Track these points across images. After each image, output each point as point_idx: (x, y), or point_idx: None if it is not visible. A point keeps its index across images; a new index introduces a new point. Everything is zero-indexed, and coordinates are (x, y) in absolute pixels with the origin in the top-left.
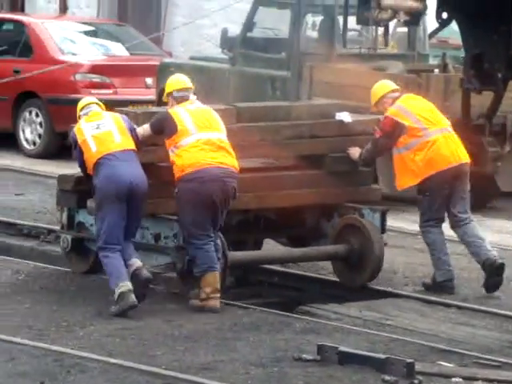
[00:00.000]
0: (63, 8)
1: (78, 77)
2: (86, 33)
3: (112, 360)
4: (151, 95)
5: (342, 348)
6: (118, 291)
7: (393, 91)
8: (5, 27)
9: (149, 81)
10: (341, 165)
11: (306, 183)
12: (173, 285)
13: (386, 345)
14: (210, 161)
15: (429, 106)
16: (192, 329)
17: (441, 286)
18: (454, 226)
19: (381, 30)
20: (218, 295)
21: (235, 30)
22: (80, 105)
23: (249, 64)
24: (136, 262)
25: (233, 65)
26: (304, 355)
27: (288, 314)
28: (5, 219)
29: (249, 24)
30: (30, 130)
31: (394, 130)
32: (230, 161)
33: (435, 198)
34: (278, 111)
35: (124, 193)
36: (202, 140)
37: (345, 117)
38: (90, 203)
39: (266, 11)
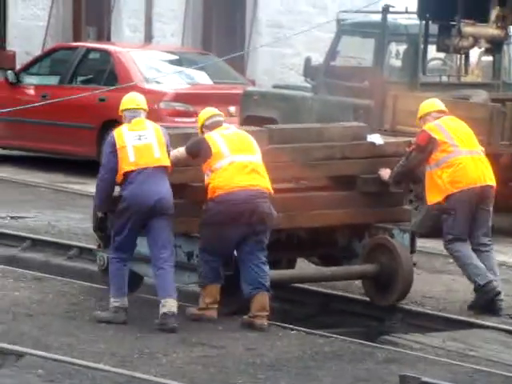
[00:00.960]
0: (148, 37)
1: (162, 105)
2: (171, 61)
3: None
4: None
5: (425, 379)
6: (114, 304)
7: (439, 111)
8: (91, 56)
9: (232, 109)
10: (372, 186)
11: (337, 203)
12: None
13: (470, 376)
14: (241, 184)
15: (466, 129)
16: (273, 357)
17: (486, 291)
18: (475, 249)
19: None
20: (216, 306)
21: (318, 58)
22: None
23: (332, 92)
24: (168, 304)
25: (316, 93)
26: None
27: (370, 343)
28: (87, 246)
29: (332, 53)
30: None
31: (427, 145)
32: (262, 182)
33: (459, 217)
34: (309, 133)
35: (147, 211)
36: (236, 163)
37: (376, 139)
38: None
39: (349, 40)
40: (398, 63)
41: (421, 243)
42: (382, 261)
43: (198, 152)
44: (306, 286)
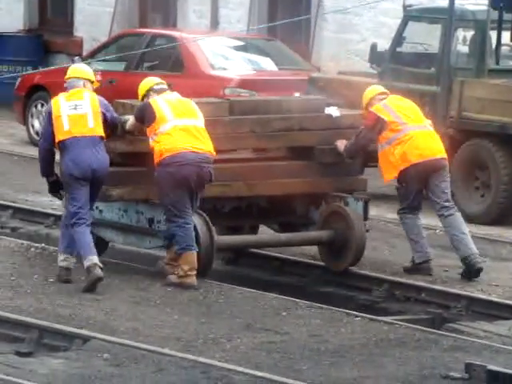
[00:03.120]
0: (214, 23)
1: (227, 91)
2: (236, 48)
3: (258, 373)
4: None
5: (491, 367)
6: (86, 264)
7: (380, 94)
8: (157, 42)
9: (297, 95)
10: (329, 156)
11: (295, 173)
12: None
13: None
14: (186, 146)
15: (412, 105)
16: (337, 344)
17: (418, 268)
18: (439, 214)
19: None
20: (195, 273)
21: (384, 45)
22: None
23: (398, 79)
24: (93, 259)
25: (381, 79)
26: (451, 373)
27: (435, 330)
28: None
29: (398, 39)
30: None
31: (375, 124)
32: (205, 146)
33: (410, 189)
34: (269, 104)
35: (87, 177)
36: (179, 126)
37: (333, 111)
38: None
39: (415, 26)
40: (464, 49)
41: (486, 231)
42: (337, 227)
43: (143, 117)
44: (372, 273)
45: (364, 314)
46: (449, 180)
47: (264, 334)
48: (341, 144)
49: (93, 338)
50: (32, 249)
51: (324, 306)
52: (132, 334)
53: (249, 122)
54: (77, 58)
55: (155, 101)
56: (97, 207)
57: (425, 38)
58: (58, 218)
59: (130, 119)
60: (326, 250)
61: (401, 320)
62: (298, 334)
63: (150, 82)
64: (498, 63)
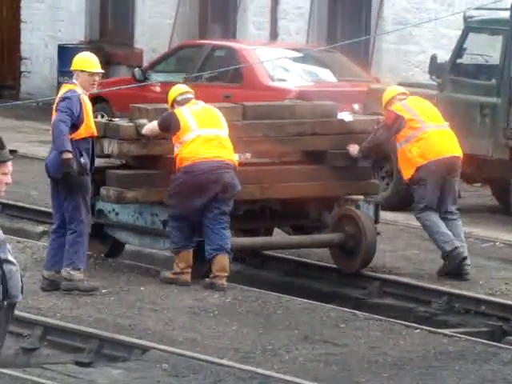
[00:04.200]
0: (273, 35)
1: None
2: (296, 59)
3: None
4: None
5: None
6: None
7: (401, 94)
8: (217, 53)
9: (356, 106)
10: (341, 160)
11: (308, 177)
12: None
13: None
14: (207, 155)
15: (431, 106)
16: (396, 356)
17: (453, 256)
18: (443, 217)
19: None
20: (190, 270)
21: (444, 56)
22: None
23: (458, 90)
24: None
25: (441, 91)
26: None
27: (495, 343)
28: None
29: (459, 50)
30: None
31: (394, 122)
32: (226, 154)
33: (429, 187)
34: (282, 109)
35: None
36: (202, 136)
37: (345, 116)
38: (104, 191)
39: (476, 37)
40: None
41: None
42: (348, 230)
43: (168, 126)
44: (429, 285)
45: (423, 327)
46: (458, 182)
47: (322, 345)
48: (353, 149)
49: (152, 349)
50: (91, 259)
51: (383, 317)
52: (190, 345)
53: (262, 126)
54: (137, 69)
55: (180, 111)
56: (113, 209)
57: (485, 49)
58: None
59: (148, 124)
60: (337, 253)
61: (460, 333)
62: (356, 345)
63: (174, 92)
64: None
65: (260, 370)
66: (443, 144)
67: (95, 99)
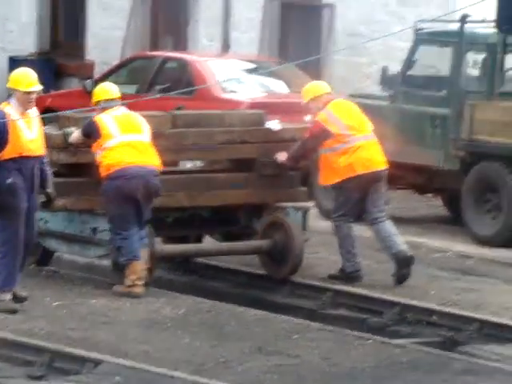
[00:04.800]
0: (225, 46)
1: None
2: (248, 71)
3: None
4: None
5: None
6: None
7: (327, 93)
8: (168, 65)
9: (308, 118)
10: (270, 168)
11: (237, 184)
12: (108, 274)
13: None
14: (132, 160)
15: (356, 112)
16: (349, 366)
17: (350, 277)
18: (371, 223)
19: None
20: (142, 282)
21: (395, 67)
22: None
23: (409, 102)
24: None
25: (393, 102)
26: None
27: (447, 353)
28: None
29: (410, 62)
30: None
31: (321, 135)
32: (150, 160)
33: (351, 197)
34: (211, 118)
35: None
36: (125, 142)
37: (274, 125)
38: None
39: (426, 49)
40: (475, 72)
41: (497, 253)
42: (276, 237)
43: (90, 133)
44: (382, 295)
45: (376, 337)
46: (385, 190)
47: (276, 356)
48: (281, 156)
49: (104, 362)
50: (43, 272)
51: (336, 328)
52: (143, 358)
53: (191, 134)
54: (88, 81)
55: (101, 118)
56: (42, 218)
57: (436, 61)
58: None
59: (74, 132)
60: (266, 259)
61: (412, 343)
62: (309, 356)
63: (102, 94)
64: (502, 85)
65: (213, 382)
66: (371, 157)
67: (46, 111)
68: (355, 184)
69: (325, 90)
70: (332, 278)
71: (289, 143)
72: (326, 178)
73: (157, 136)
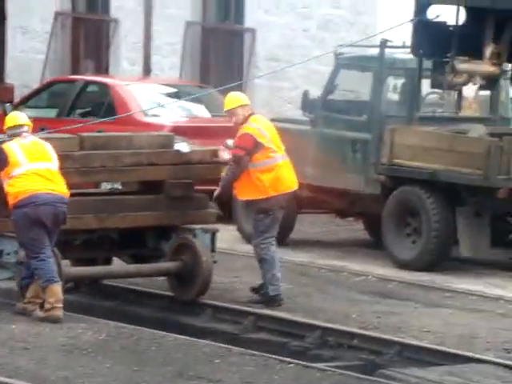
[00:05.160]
0: (146, 70)
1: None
2: (169, 95)
3: None
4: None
5: None
6: None
7: (245, 105)
8: (89, 89)
9: (229, 142)
10: (178, 190)
11: (146, 206)
12: (13, 296)
13: None
14: (40, 187)
15: (274, 130)
16: None
17: (273, 300)
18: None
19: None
20: (61, 305)
21: (316, 92)
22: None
23: (330, 126)
24: None
25: (314, 127)
26: None
27: (368, 377)
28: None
29: (330, 86)
30: None
31: (254, 148)
32: (58, 188)
33: (275, 217)
34: (120, 140)
35: None
36: (32, 170)
37: (182, 147)
38: None
39: (347, 74)
40: (395, 97)
41: (418, 277)
42: (185, 259)
43: None
44: (303, 319)
45: (297, 361)
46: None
47: (197, 381)
48: (216, 191)
49: None
50: None
51: (257, 352)
52: (63, 383)
53: (99, 156)
54: (8, 104)
55: (8, 146)
56: None
57: (356, 85)
58: None
59: None
60: (174, 281)
61: (333, 367)
62: (230, 381)
63: (12, 121)
64: (418, 110)
65: None
66: (289, 177)
67: None
68: (277, 203)
69: (246, 102)
70: (253, 302)
71: (197, 165)
72: (246, 194)
73: (64, 158)
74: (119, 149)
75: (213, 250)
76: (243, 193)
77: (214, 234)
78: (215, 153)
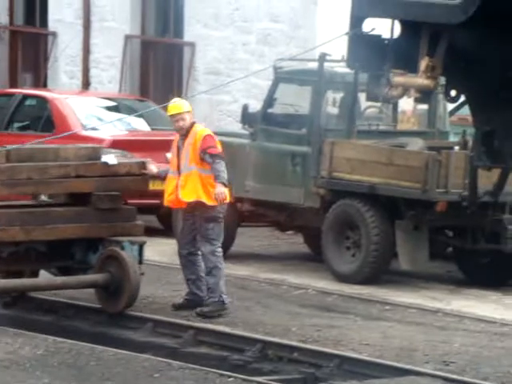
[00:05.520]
0: (86, 84)
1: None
2: (109, 108)
3: None
4: None
5: None
6: None
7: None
8: (28, 103)
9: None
10: (106, 202)
11: (73, 218)
12: None
13: None
14: None
15: None
16: None
17: (225, 308)
18: (195, 253)
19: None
20: None
21: (256, 105)
22: None
23: (269, 139)
24: None
25: (253, 140)
26: None
27: None
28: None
29: (269, 100)
30: None
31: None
32: None
33: (222, 225)
34: (46, 152)
35: None
36: None
37: (110, 159)
38: None
39: (286, 87)
40: (335, 111)
41: (357, 290)
42: (112, 271)
43: None
44: (243, 333)
45: (237, 375)
46: None
47: None
48: (220, 190)
49: None
50: None
51: (197, 366)
52: None
53: (26, 169)
54: None
55: None
56: None
57: (295, 99)
58: None
59: None
60: (102, 293)
61: (274, 380)
62: None
63: None
64: (353, 123)
65: None
66: None
67: None
68: (223, 211)
69: (190, 109)
70: (204, 314)
71: (125, 177)
72: (195, 196)
73: None
74: (46, 161)
75: (140, 262)
76: (192, 195)
77: (141, 246)
78: (143, 165)
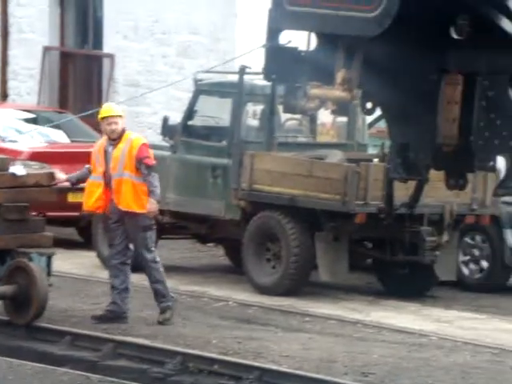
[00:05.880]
0: (3, 95)
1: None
2: (27, 120)
3: None
4: None
5: None
6: None
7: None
8: None
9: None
10: (14, 213)
11: None
12: None
13: None
14: None
15: None
16: None
17: (169, 310)
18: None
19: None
20: None
21: (177, 118)
22: None
23: (190, 152)
24: None
25: (174, 152)
26: None
27: None
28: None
29: (190, 112)
30: None
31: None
32: None
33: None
34: None
35: None
36: None
37: (18, 170)
38: None
39: (206, 100)
40: (255, 123)
41: (278, 302)
42: (20, 282)
43: None
44: (163, 345)
45: None
46: None
47: None
48: (152, 206)
49: None
50: None
51: (116, 380)
52: None
53: None
54: None
55: None
56: None
57: (216, 111)
58: None
59: None
60: (10, 305)
61: None
62: None
63: None
64: (272, 135)
65: None
66: None
67: None
68: (154, 219)
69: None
70: (165, 320)
71: (33, 188)
72: (133, 206)
73: None
74: None
75: (49, 273)
76: (130, 204)
77: (49, 257)
78: (51, 176)
